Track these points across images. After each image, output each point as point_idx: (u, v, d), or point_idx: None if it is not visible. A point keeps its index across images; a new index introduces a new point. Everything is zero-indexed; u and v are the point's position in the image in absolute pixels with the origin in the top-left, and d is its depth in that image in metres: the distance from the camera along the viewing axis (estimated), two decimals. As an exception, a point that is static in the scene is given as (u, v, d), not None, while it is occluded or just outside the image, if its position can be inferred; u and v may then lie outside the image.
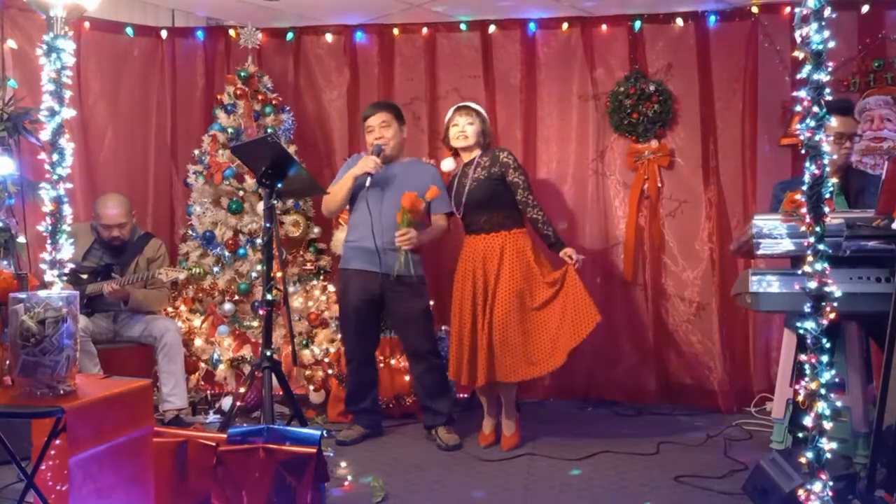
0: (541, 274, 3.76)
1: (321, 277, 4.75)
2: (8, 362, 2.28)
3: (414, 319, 3.91)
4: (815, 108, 2.22)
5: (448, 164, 4.04)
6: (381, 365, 4.30)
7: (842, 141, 3.31)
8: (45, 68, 2.94)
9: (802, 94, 2.24)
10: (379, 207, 3.82)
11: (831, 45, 2.23)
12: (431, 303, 4.17)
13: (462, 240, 3.99)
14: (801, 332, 2.26)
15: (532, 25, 4.85)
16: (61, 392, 2.18)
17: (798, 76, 2.27)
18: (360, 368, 4.01)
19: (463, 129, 3.86)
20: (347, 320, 3.98)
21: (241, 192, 4.56)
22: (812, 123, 2.22)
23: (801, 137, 2.27)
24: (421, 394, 4.02)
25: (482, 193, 3.80)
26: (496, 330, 3.68)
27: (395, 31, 4.98)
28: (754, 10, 4.54)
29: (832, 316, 2.21)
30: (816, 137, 2.22)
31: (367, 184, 3.78)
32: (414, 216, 3.80)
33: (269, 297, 3.22)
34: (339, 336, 4.52)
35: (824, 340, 2.20)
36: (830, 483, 2.19)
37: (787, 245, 2.99)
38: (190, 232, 4.65)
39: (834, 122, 3.14)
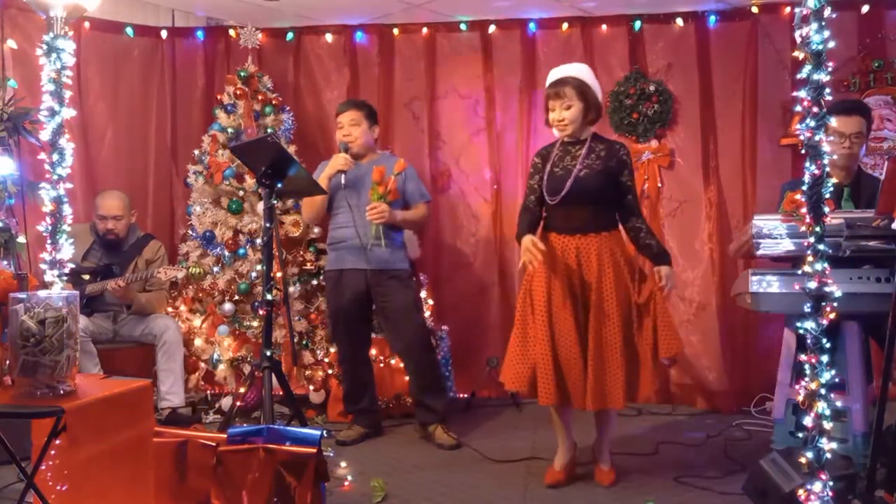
0: (636, 288, 3.19)
1: (321, 277, 4.74)
2: (8, 362, 2.28)
3: (403, 312, 3.89)
4: (815, 108, 2.22)
5: None
6: (381, 365, 4.30)
7: (841, 140, 3.30)
8: (45, 68, 2.93)
9: (802, 94, 2.23)
10: (358, 206, 3.82)
11: (831, 45, 2.22)
12: (428, 299, 4.17)
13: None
14: (801, 332, 2.26)
15: (532, 25, 4.85)
16: (61, 392, 2.18)
17: (798, 76, 2.26)
18: (354, 369, 4.00)
19: (561, 118, 3.20)
20: (337, 321, 3.97)
21: (241, 192, 4.56)
22: (812, 123, 2.22)
23: (802, 137, 2.27)
24: (414, 389, 4.00)
25: (594, 184, 3.16)
26: (608, 348, 3.08)
27: (395, 31, 4.98)
28: (754, 10, 4.53)
29: (832, 316, 2.21)
30: (816, 137, 2.22)
31: (343, 181, 3.79)
32: (383, 190, 3.76)
33: (269, 297, 3.22)
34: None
35: (824, 340, 2.20)
36: (830, 483, 2.19)
37: (787, 245, 3.00)
38: (190, 232, 4.65)
39: (834, 122, 3.14)
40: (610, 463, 3.32)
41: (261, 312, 3.39)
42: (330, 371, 4.42)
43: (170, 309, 4.45)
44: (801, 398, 2.23)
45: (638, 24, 4.70)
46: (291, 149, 4.58)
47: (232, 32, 4.98)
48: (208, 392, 4.52)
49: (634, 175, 3.31)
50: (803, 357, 2.24)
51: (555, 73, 3.28)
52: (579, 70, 3.27)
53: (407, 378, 4.31)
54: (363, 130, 3.95)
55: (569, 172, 3.19)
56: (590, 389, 3.05)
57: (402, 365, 4.32)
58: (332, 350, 4.45)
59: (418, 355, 3.93)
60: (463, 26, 4.92)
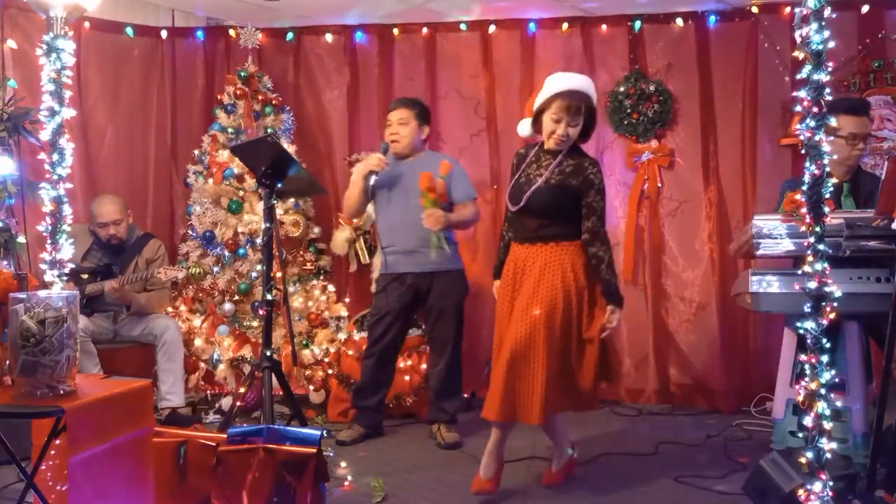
0: (587, 306, 3.07)
1: (321, 277, 4.74)
2: (8, 362, 2.28)
3: (450, 311, 3.90)
4: (815, 108, 2.22)
5: (524, 129, 3.27)
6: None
7: (855, 142, 3.28)
8: (45, 68, 2.94)
9: (802, 94, 2.24)
10: (399, 206, 3.82)
11: (831, 45, 2.22)
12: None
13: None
14: (801, 332, 2.26)
15: (532, 25, 4.85)
16: (61, 392, 2.18)
17: (798, 76, 2.27)
18: (378, 364, 3.97)
19: (564, 134, 3.07)
20: (381, 320, 3.93)
21: (241, 192, 4.56)
22: (812, 123, 2.22)
23: (802, 137, 2.27)
24: (434, 387, 4.01)
25: (545, 198, 3.08)
26: (514, 356, 2.96)
27: (395, 31, 4.98)
28: (754, 10, 4.54)
29: (832, 316, 2.21)
30: (816, 137, 2.22)
31: (371, 182, 3.77)
32: (435, 196, 3.65)
33: (269, 297, 3.22)
34: (341, 336, 4.52)
35: (824, 340, 2.20)
36: (830, 483, 2.19)
37: (787, 245, 3.00)
38: (190, 232, 4.65)
39: (847, 122, 3.13)
40: (560, 464, 3.31)
41: (261, 312, 3.39)
42: (330, 371, 4.41)
43: (170, 309, 4.46)
44: (801, 398, 2.24)
45: (638, 24, 4.70)
46: (291, 149, 4.58)
47: (232, 32, 4.99)
48: (208, 392, 4.52)
49: (603, 197, 3.12)
50: (803, 357, 2.24)
51: (569, 82, 3.12)
52: (590, 89, 3.15)
53: (407, 378, 4.31)
54: (411, 130, 3.90)
55: (530, 183, 3.12)
56: (496, 401, 2.97)
57: (402, 365, 4.32)
58: (332, 350, 4.45)
59: (449, 356, 3.93)
60: (463, 26, 4.92)
